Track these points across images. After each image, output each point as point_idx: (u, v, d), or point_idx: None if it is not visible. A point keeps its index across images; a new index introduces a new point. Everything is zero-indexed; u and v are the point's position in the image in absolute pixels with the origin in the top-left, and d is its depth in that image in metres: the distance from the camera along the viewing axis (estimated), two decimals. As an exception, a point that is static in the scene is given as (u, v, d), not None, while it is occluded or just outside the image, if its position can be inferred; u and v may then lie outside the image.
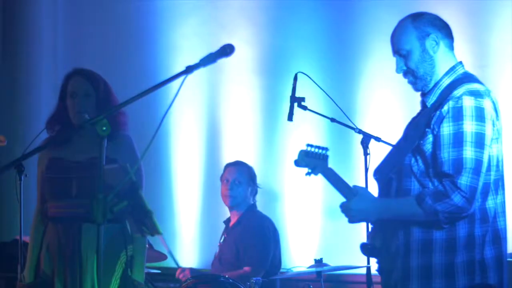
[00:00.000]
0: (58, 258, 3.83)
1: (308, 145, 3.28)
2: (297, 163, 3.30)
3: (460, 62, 3.28)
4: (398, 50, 3.25)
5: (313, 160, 3.26)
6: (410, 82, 3.27)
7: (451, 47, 3.27)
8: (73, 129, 3.91)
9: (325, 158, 3.25)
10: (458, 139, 3.04)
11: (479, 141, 3.04)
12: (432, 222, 3.07)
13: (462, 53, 5.55)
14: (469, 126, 3.05)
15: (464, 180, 3.01)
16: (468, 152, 3.03)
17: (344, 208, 3.23)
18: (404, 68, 3.25)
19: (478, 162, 3.03)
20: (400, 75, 3.29)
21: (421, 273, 3.11)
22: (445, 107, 3.08)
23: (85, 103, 3.87)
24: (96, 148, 3.75)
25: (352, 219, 3.23)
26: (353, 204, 3.20)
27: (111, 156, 3.67)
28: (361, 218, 3.25)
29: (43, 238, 3.89)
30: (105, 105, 3.79)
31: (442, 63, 3.23)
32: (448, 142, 3.06)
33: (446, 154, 3.05)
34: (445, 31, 3.26)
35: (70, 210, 3.83)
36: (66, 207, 3.84)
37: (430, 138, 3.11)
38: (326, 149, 3.26)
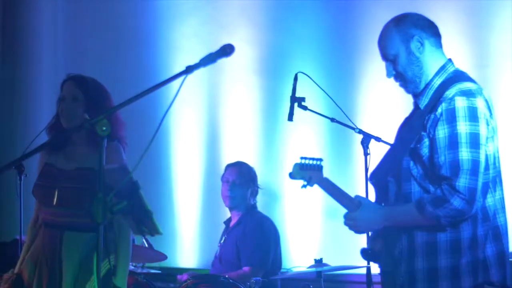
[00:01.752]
0: (40, 264, 3.84)
1: (302, 158, 3.30)
2: (292, 176, 3.32)
3: (450, 60, 3.25)
4: (385, 55, 3.26)
5: (307, 172, 3.27)
6: (401, 85, 3.27)
7: (438, 45, 3.24)
8: (64, 134, 3.92)
9: (319, 168, 3.26)
10: (453, 141, 3.03)
11: (474, 141, 3.03)
12: (435, 226, 3.07)
13: (462, 53, 5.58)
14: (463, 127, 3.04)
15: (462, 182, 3.00)
16: (464, 154, 3.02)
17: (349, 218, 3.23)
18: (394, 72, 3.24)
19: (475, 163, 3.02)
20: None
21: (428, 276, 3.10)
22: (439, 110, 3.07)
23: (72, 107, 3.90)
24: (90, 159, 3.78)
25: (358, 229, 3.24)
26: (359, 215, 3.20)
27: (96, 164, 3.68)
28: (366, 228, 3.25)
29: (34, 240, 3.91)
30: (95, 108, 3.79)
31: (430, 63, 3.21)
32: (444, 145, 3.05)
33: (443, 157, 3.04)
34: (430, 30, 3.23)
35: (52, 218, 3.84)
36: (49, 215, 3.86)
37: (426, 142, 3.10)
38: (320, 159, 3.27)
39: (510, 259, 3.23)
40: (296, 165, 3.31)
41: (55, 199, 3.81)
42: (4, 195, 6.29)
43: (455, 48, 5.62)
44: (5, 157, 6.10)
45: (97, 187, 2.84)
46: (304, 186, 3.30)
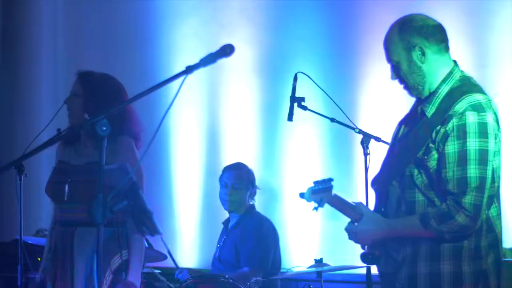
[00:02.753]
0: (53, 261, 3.85)
1: (314, 182, 3.33)
2: (304, 198, 3.36)
3: (456, 64, 3.22)
4: (389, 59, 3.24)
5: (319, 195, 3.30)
6: (404, 88, 3.26)
7: (443, 51, 3.20)
8: (71, 130, 3.93)
9: (329, 189, 3.28)
10: (462, 158, 3.03)
11: (483, 158, 3.03)
12: (438, 239, 3.08)
13: (462, 53, 5.58)
14: (473, 144, 3.03)
15: (468, 199, 3.01)
16: (473, 171, 3.02)
17: (350, 231, 3.23)
18: (396, 76, 3.23)
19: (483, 179, 3.03)
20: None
21: (429, 280, 3.10)
22: (450, 125, 3.06)
23: (71, 102, 3.92)
24: (92, 154, 3.79)
25: (359, 241, 3.24)
26: (360, 227, 3.20)
27: (107, 160, 3.69)
28: (368, 240, 3.24)
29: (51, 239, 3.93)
30: (95, 104, 3.79)
31: (434, 71, 3.17)
32: (453, 160, 3.04)
33: (451, 172, 3.04)
34: (434, 37, 3.18)
35: (64, 215, 3.85)
36: (61, 211, 3.87)
37: (435, 155, 3.09)
38: (330, 179, 3.29)
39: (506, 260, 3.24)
40: (309, 189, 3.35)
41: (65, 195, 3.81)
42: (4, 195, 6.29)
43: (455, 48, 5.60)
44: (5, 157, 6.10)
45: (97, 186, 2.84)
46: (315, 208, 3.34)
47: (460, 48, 5.64)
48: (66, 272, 3.78)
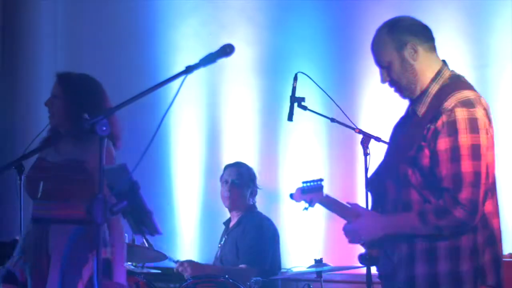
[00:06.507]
0: (30, 259, 3.83)
1: (303, 182, 3.31)
2: (293, 198, 3.35)
3: (445, 63, 3.22)
4: (378, 62, 3.24)
5: (308, 195, 3.28)
6: (396, 91, 3.26)
7: (432, 50, 3.20)
8: (52, 131, 3.95)
9: (320, 188, 3.27)
10: (455, 154, 3.02)
11: (476, 153, 3.02)
12: (435, 235, 3.07)
13: (462, 53, 5.58)
14: (464, 139, 3.02)
15: (464, 194, 2.99)
16: (466, 166, 3.01)
17: (348, 229, 3.22)
18: (388, 78, 3.23)
19: (477, 174, 3.01)
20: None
21: (428, 281, 3.09)
22: (439, 122, 3.06)
23: (52, 104, 3.93)
24: (76, 152, 3.80)
25: (357, 240, 3.21)
26: (358, 224, 3.19)
27: (80, 158, 3.72)
28: (366, 238, 3.21)
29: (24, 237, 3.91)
30: (76, 104, 3.78)
31: (425, 69, 3.18)
32: (446, 157, 3.03)
33: (445, 169, 3.03)
34: (423, 35, 3.19)
35: (38, 212, 3.84)
36: (36, 208, 3.86)
37: (426, 153, 3.08)
38: (321, 180, 3.28)
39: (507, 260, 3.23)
40: (298, 189, 3.34)
41: (39, 191, 3.81)
42: (4, 195, 6.29)
43: (455, 48, 5.62)
44: (5, 157, 6.11)
45: (97, 186, 2.84)
46: (305, 208, 3.32)
47: (460, 48, 5.65)
48: (41, 269, 3.77)
